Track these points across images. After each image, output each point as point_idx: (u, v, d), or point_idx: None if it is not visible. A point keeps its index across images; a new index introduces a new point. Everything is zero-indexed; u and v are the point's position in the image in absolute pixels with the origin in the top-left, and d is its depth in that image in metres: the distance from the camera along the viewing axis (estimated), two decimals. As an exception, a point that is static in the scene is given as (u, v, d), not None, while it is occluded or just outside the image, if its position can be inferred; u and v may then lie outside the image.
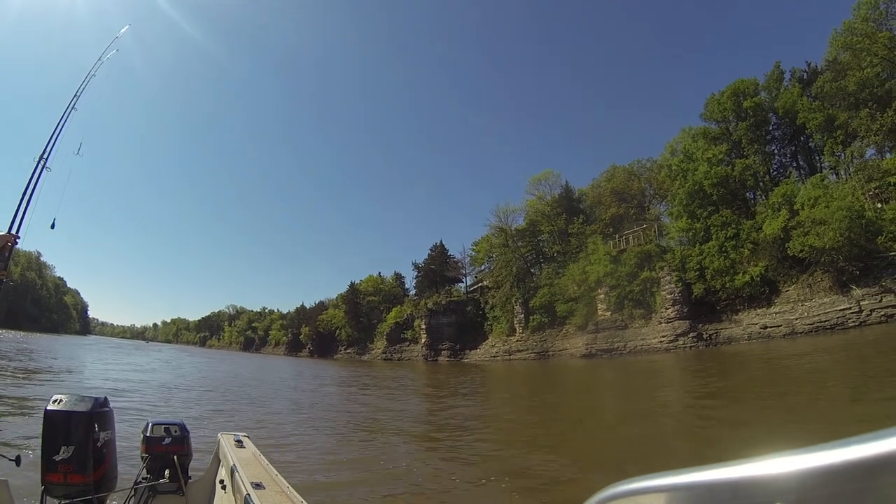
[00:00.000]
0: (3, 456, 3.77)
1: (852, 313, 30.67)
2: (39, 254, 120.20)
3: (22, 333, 79.10)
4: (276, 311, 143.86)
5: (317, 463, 10.12)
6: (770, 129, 43.89)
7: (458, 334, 66.31)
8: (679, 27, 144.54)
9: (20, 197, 5.03)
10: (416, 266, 79.70)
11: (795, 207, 35.66)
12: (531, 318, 55.51)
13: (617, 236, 50.65)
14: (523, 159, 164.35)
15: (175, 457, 4.32)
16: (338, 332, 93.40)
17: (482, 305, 66.42)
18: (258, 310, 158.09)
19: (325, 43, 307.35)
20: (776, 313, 35.26)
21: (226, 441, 4.67)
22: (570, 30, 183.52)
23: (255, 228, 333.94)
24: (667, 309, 42.16)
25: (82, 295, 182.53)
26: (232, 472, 3.84)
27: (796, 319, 33.62)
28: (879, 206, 33.09)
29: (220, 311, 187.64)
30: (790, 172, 42.87)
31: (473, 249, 72.82)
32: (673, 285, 42.10)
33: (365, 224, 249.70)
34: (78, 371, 28.67)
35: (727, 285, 38.65)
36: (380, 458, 10.78)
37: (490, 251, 67.79)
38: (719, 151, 42.93)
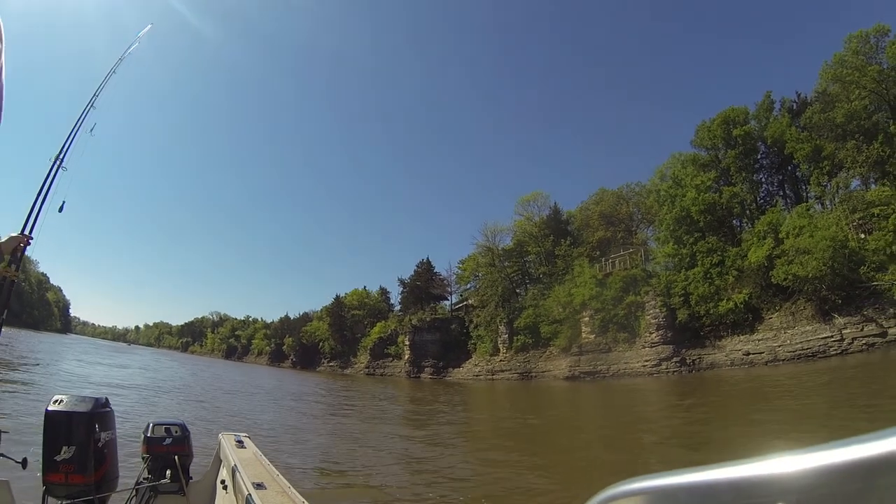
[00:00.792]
0: (10, 458, 3.63)
1: (834, 341, 30.41)
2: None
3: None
4: (260, 319, 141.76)
5: None
6: (759, 157, 44.09)
7: (442, 352, 65.48)
8: (673, 53, 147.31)
9: (34, 197, 4.91)
10: (401, 282, 79.46)
11: (781, 236, 35.62)
12: (515, 338, 54.83)
13: (603, 259, 50.47)
14: (512, 181, 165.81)
15: (176, 457, 4.36)
16: (321, 344, 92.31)
17: (467, 324, 65.64)
18: (242, 318, 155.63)
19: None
20: (759, 340, 34.98)
21: (227, 441, 4.75)
22: (559, 53, 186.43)
23: (241, 236, 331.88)
24: (651, 333, 41.78)
25: (64, 292, 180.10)
26: (233, 472, 3.91)
27: (779, 346, 33.33)
28: (863, 236, 33.14)
29: (203, 317, 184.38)
30: (776, 201, 43.00)
31: (460, 267, 72.61)
32: (657, 310, 41.77)
33: (351, 239, 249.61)
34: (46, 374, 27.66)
35: (711, 311, 38.39)
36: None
37: (476, 270, 67.33)
38: (708, 178, 43.05)
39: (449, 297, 76.15)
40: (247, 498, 3.16)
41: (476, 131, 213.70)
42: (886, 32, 35.13)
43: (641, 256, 48.18)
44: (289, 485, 3.46)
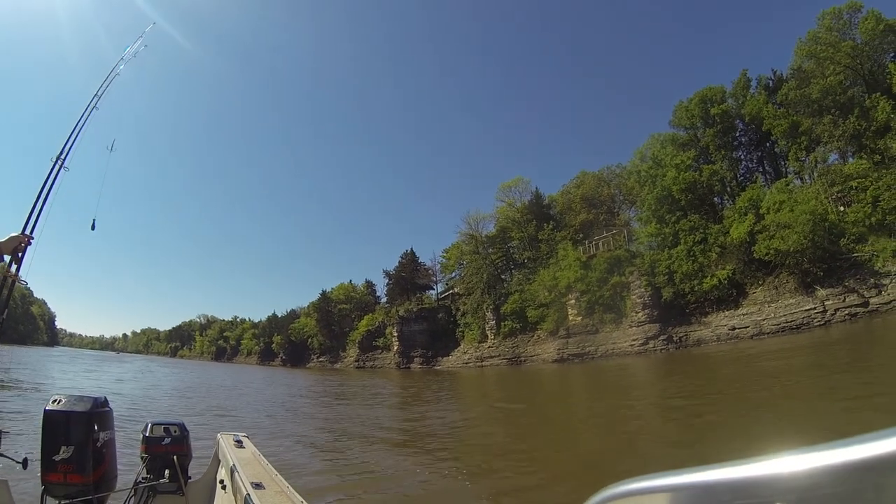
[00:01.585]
0: (11, 458, 3.62)
1: (817, 313, 31.02)
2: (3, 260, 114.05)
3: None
4: (247, 319, 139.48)
5: None
6: (737, 135, 44.56)
7: (430, 341, 65.63)
8: (648, 34, 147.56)
9: (35, 197, 4.96)
10: (386, 273, 79.08)
11: (761, 211, 36.05)
12: (502, 324, 55.11)
13: (587, 242, 50.69)
14: (493, 171, 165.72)
15: (175, 457, 4.34)
16: (310, 340, 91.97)
17: (453, 312, 65.82)
18: (229, 319, 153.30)
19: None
20: (744, 315, 35.53)
21: (225, 441, 4.70)
22: (537, 38, 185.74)
23: (226, 238, 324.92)
24: (637, 313, 42.20)
25: (49, 305, 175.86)
26: (232, 471, 3.86)
27: (763, 320, 33.89)
28: (842, 209, 33.77)
29: (190, 321, 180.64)
30: (756, 177, 43.54)
31: (444, 257, 72.56)
32: (642, 289, 42.16)
33: (335, 238, 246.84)
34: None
35: (696, 288, 38.87)
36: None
37: (460, 258, 67.43)
38: (687, 157, 43.28)
39: (435, 287, 76.18)
40: (245, 497, 3.14)
41: (454, 123, 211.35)
42: (859, 8, 35.64)
43: (625, 237, 48.44)
44: (287, 485, 3.44)
